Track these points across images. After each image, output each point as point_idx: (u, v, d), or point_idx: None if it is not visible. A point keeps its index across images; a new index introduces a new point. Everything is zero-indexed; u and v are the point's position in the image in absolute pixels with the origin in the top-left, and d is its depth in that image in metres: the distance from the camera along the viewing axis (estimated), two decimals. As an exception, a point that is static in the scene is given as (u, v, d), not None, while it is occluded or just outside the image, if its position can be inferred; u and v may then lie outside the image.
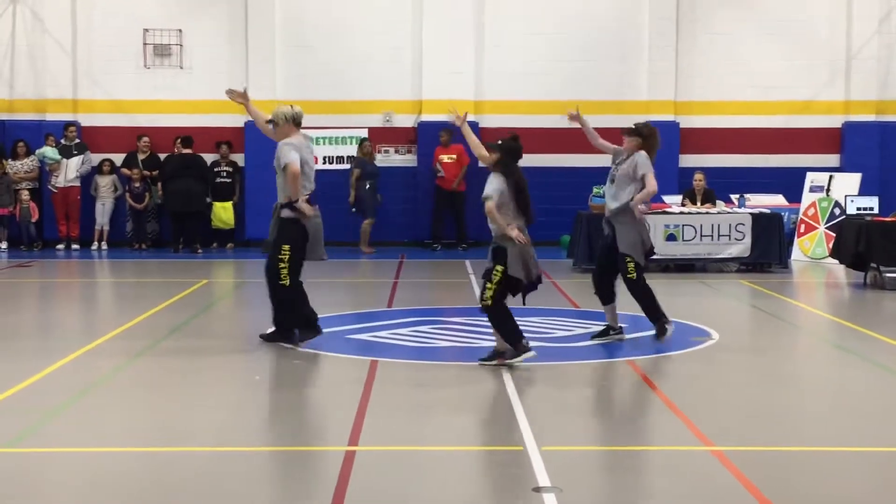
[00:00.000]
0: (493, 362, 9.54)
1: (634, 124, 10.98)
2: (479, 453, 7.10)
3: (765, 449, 7.14)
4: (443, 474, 6.62)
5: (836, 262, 16.37)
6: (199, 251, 19.83)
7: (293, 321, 10.49)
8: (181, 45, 20.98)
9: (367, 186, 20.00)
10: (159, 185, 20.37)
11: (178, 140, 20.37)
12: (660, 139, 10.96)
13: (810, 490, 6.28)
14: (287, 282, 10.29)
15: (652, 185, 10.52)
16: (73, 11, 20.89)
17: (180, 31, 20.96)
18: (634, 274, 10.58)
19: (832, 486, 6.35)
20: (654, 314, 10.70)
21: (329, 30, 21.06)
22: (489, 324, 9.64)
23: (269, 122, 10.70)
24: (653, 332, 10.85)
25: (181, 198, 19.94)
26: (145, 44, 20.90)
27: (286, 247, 10.29)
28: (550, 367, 9.67)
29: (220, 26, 21.07)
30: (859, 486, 6.39)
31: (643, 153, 10.68)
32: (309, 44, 21.09)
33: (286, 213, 10.34)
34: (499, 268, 9.43)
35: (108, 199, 20.59)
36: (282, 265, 10.29)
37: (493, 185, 9.48)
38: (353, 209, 20.14)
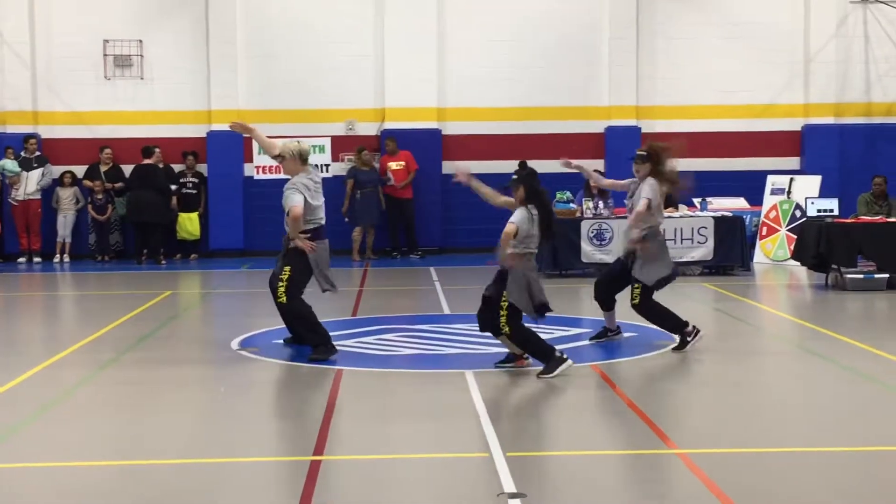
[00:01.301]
0: (510, 364, 9.69)
1: (640, 151, 10.85)
2: (444, 460, 7.11)
3: (730, 451, 7.19)
4: (408, 482, 6.62)
5: (798, 264, 16.50)
6: (163, 262, 19.74)
7: (311, 339, 10.51)
8: (142, 56, 20.87)
9: (359, 195, 20.00)
10: (125, 196, 20.26)
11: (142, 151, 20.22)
12: (671, 148, 10.85)
13: (775, 491, 6.32)
14: (283, 300, 10.36)
15: (642, 206, 10.49)
16: (32, 23, 20.74)
17: (141, 41, 20.85)
18: (639, 300, 10.58)
19: (796, 487, 6.40)
20: (674, 328, 10.73)
21: (291, 39, 21.02)
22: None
23: (277, 156, 10.76)
24: (618, 336, 10.97)
25: (143, 208, 19.82)
26: (105, 55, 20.78)
27: (287, 268, 10.41)
28: (515, 373, 9.68)
29: (182, 36, 20.97)
30: (823, 487, 6.44)
31: (651, 180, 10.60)
32: (271, 53, 21.04)
33: (293, 244, 10.48)
34: (505, 294, 9.38)
35: (70, 212, 20.45)
36: (280, 283, 10.39)
37: (520, 216, 9.40)
38: (346, 218, 20.16)
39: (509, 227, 9.33)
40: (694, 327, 10.64)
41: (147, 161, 20.06)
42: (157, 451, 7.34)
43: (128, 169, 20.45)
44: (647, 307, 10.63)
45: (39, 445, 7.54)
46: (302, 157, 10.66)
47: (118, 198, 20.45)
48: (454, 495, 6.38)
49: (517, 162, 9.82)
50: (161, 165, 20.26)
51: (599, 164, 20.32)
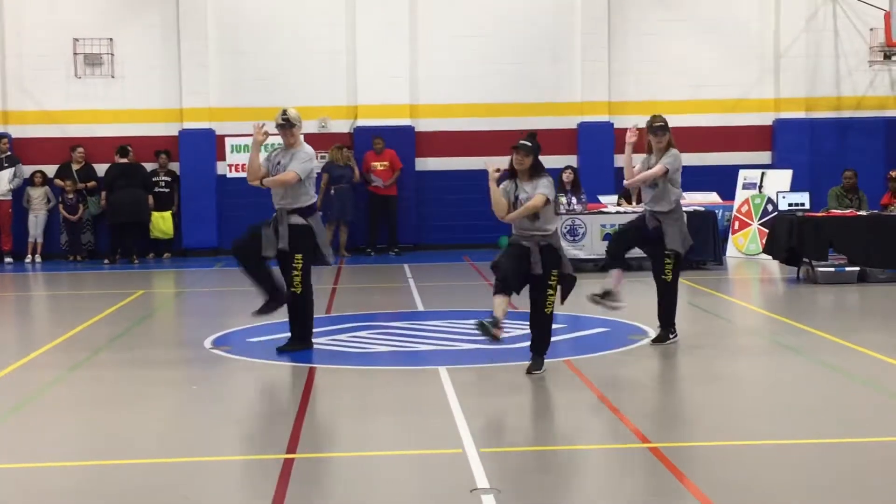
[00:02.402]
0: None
1: (658, 121, 10.86)
2: (417, 457, 7.11)
3: (702, 444, 7.22)
4: (382, 479, 6.62)
5: (770, 257, 16.59)
6: (136, 261, 19.66)
7: (303, 330, 10.53)
8: (112, 54, 20.77)
9: (332, 192, 19.99)
10: (102, 195, 20.13)
11: (116, 150, 20.10)
12: None
13: (748, 484, 6.35)
14: (300, 290, 10.31)
15: (659, 169, 10.68)
16: (1, 21, 20.62)
17: (111, 39, 20.76)
18: (671, 276, 10.61)
19: (769, 480, 6.43)
20: (670, 320, 10.76)
21: (263, 35, 20.97)
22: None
23: (284, 122, 10.42)
24: (591, 331, 10.99)
25: (127, 207, 19.68)
26: (76, 53, 20.68)
27: (299, 256, 10.28)
28: (488, 369, 9.70)
29: (152, 34, 20.88)
30: (795, 479, 6.48)
31: (675, 151, 10.73)
32: (243, 50, 20.98)
33: (295, 219, 10.28)
34: (554, 273, 9.28)
35: (41, 212, 20.33)
36: (295, 273, 10.30)
37: (549, 185, 9.25)
38: (319, 211, 20.06)
39: (539, 199, 9.15)
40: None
41: (124, 160, 19.96)
42: (130, 451, 7.31)
43: (100, 168, 20.36)
44: (675, 286, 10.66)
45: (11, 446, 7.49)
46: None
47: (91, 197, 20.34)
48: (428, 491, 6.38)
49: (528, 132, 9.61)
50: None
51: (572, 159, 20.37)
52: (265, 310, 10.58)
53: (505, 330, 11.12)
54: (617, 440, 7.35)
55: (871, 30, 21.20)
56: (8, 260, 20.12)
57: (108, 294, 15.45)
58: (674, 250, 10.59)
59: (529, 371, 9.32)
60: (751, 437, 7.37)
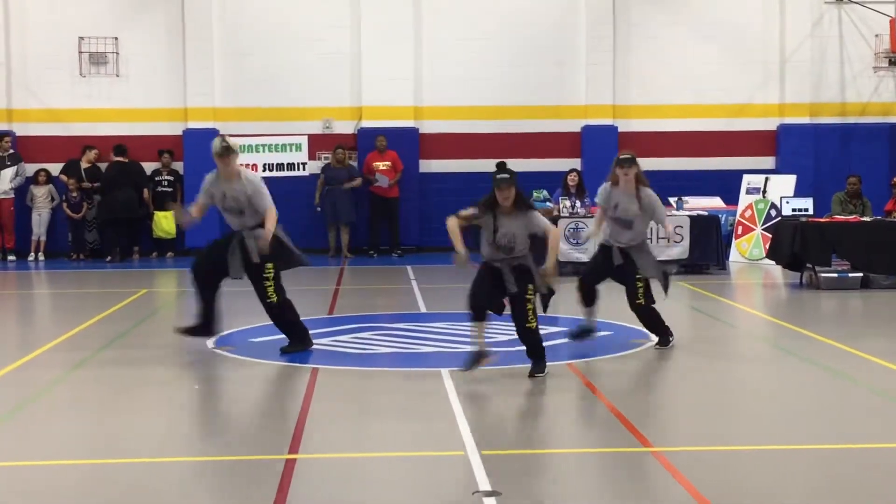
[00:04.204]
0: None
1: (626, 154, 10.68)
2: (419, 459, 7.11)
3: (704, 449, 7.21)
4: (384, 481, 6.62)
5: (773, 263, 16.58)
6: (137, 257, 19.70)
7: (295, 331, 10.57)
8: (117, 53, 20.78)
9: (326, 192, 20.05)
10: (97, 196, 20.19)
11: (112, 150, 20.07)
12: None
13: (749, 489, 6.34)
14: (275, 299, 10.33)
15: (670, 227, 11.27)
16: (7, 20, 20.62)
17: (116, 38, 20.77)
18: (644, 299, 10.59)
19: (771, 485, 6.43)
20: (663, 329, 10.76)
21: (267, 36, 20.97)
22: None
23: (225, 152, 10.39)
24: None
25: (119, 205, 19.76)
26: (81, 52, 20.68)
27: (269, 265, 10.30)
28: (491, 372, 9.70)
29: (157, 34, 20.90)
30: (797, 484, 6.48)
31: (651, 192, 10.60)
32: (247, 50, 20.99)
33: (259, 231, 10.26)
34: (530, 287, 9.25)
35: (45, 210, 20.34)
36: (268, 284, 10.32)
37: (546, 220, 9.31)
38: (318, 208, 20.28)
39: (557, 232, 9.27)
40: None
41: (121, 159, 19.97)
42: (131, 451, 7.31)
43: (104, 167, 20.37)
44: (651, 303, 10.62)
45: (13, 445, 7.50)
46: None
47: (96, 196, 20.33)
48: (429, 494, 6.38)
49: (496, 162, 9.44)
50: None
51: (576, 162, 20.38)
52: (193, 332, 10.58)
53: (509, 333, 11.13)
54: (618, 444, 7.34)
55: (877, 36, 21.19)
56: (11, 258, 20.12)
57: (111, 293, 15.46)
58: (645, 276, 10.57)
59: (532, 374, 9.32)
60: (752, 442, 7.36)
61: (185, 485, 6.61)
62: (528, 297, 9.17)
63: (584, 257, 16.62)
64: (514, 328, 9.39)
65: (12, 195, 20.21)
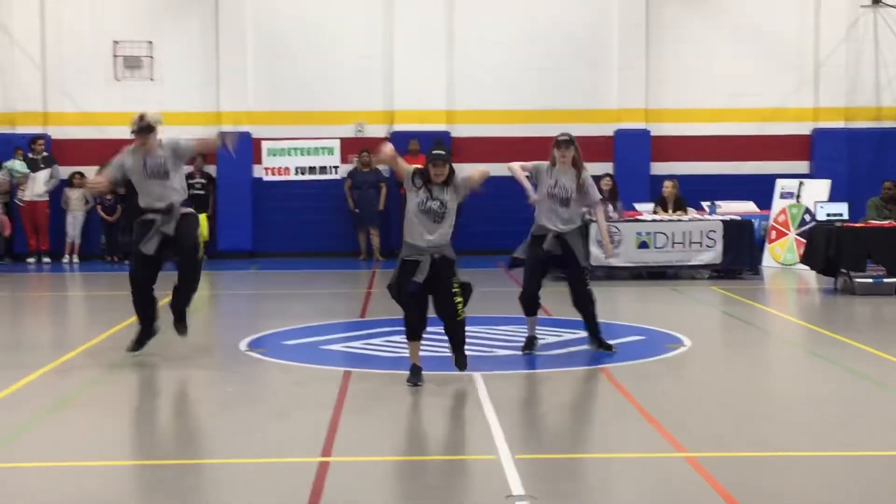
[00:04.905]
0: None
1: (565, 135, 10.65)
2: (452, 462, 7.10)
3: (738, 455, 7.17)
4: (416, 484, 6.61)
5: (807, 267, 16.47)
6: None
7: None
8: (152, 57, 20.91)
9: (356, 196, 20.14)
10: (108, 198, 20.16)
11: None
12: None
13: (782, 495, 6.30)
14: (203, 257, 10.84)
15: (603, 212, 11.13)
16: (43, 24, 20.80)
17: (150, 42, 20.89)
18: (588, 283, 10.54)
19: (804, 491, 6.39)
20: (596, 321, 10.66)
21: (301, 40, 21.05)
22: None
23: (145, 128, 10.56)
24: (626, 339, 10.92)
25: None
26: (115, 56, 20.82)
27: (202, 241, 10.60)
28: (524, 375, 9.69)
29: (191, 38, 21.02)
30: (833, 491, 6.43)
31: (587, 173, 10.54)
32: (280, 54, 21.07)
33: (187, 209, 10.53)
34: (455, 282, 9.31)
35: (79, 212, 20.50)
36: (202, 256, 10.77)
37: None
38: (357, 209, 20.42)
39: (482, 171, 9.41)
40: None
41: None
42: (164, 452, 7.34)
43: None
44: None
45: (49, 445, 7.54)
46: None
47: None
48: (462, 498, 6.37)
49: (434, 141, 9.62)
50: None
51: (608, 166, 20.33)
52: (141, 344, 10.56)
53: (541, 336, 11.09)
54: (652, 448, 7.31)
55: (913, 39, 21.06)
56: (46, 260, 20.27)
57: (145, 295, 15.50)
58: (587, 268, 10.57)
59: (462, 367, 9.31)
60: (786, 448, 7.32)
61: (219, 486, 6.63)
62: (454, 290, 9.17)
63: (617, 261, 16.60)
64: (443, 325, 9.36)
65: (46, 198, 20.37)
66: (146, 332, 10.56)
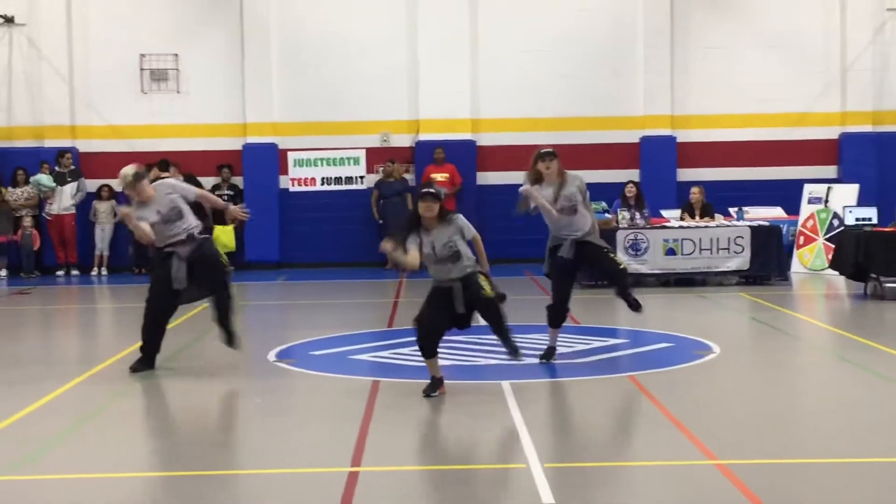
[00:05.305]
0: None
1: (547, 148, 10.56)
2: (481, 471, 7.08)
3: (768, 462, 7.12)
4: (446, 493, 6.60)
5: (836, 273, 16.37)
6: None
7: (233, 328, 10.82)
8: (178, 70, 21.03)
9: (381, 205, 20.19)
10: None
11: (155, 166, 20.04)
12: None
13: (814, 502, 6.26)
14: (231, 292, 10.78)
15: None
16: (70, 38, 20.96)
17: (177, 55, 21.01)
18: (622, 261, 10.72)
19: (836, 498, 6.34)
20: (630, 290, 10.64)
21: (325, 51, 21.11)
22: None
23: (129, 184, 10.50)
24: (655, 346, 10.86)
25: None
26: (142, 69, 20.96)
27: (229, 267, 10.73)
28: (552, 384, 9.66)
29: (217, 50, 21.13)
30: (863, 498, 6.37)
31: (575, 173, 10.54)
32: (305, 65, 21.14)
33: (202, 235, 10.56)
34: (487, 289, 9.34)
35: (108, 225, 20.63)
36: (228, 268, 10.73)
37: (468, 225, 9.30)
38: (380, 220, 20.47)
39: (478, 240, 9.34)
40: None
41: (165, 175, 20.06)
42: (194, 463, 7.36)
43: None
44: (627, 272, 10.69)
45: (75, 458, 7.57)
46: None
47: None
48: (492, 506, 6.36)
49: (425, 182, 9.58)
50: (181, 179, 20.29)
51: (634, 174, 20.29)
52: (141, 367, 10.52)
53: (570, 345, 11.07)
54: (682, 456, 7.27)
55: (940, 42, 20.92)
56: (74, 272, 20.39)
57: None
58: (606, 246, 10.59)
59: (514, 355, 9.33)
60: (817, 455, 7.27)
61: (249, 497, 6.64)
62: (490, 298, 9.15)
63: (644, 268, 16.59)
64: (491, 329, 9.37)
65: (73, 211, 20.50)
66: (147, 362, 10.55)
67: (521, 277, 18.37)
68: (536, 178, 10.39)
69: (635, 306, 10.44)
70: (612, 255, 10.65)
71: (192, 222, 10.47)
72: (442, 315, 9.16)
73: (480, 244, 9.31)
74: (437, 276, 9.22)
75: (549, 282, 10.85)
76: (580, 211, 10.35)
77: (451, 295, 9.09)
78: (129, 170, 10.53)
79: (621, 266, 10.60)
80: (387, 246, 9.33)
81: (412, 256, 9.12)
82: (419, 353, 9.28)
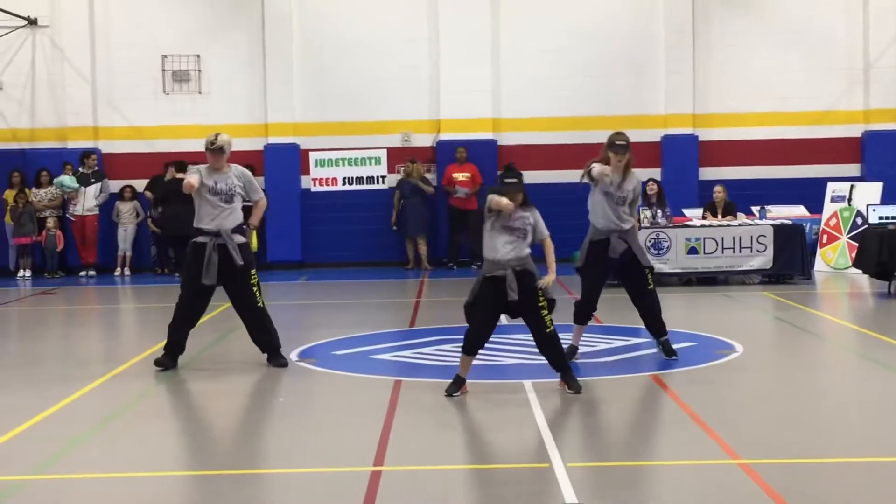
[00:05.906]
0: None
1: (623, 137, 10.62)
2: (505, 471, 7.08)
3: (792, 461, 7.10)
4: (469, 493, 6.60)
5: (860, 271, 16.30)
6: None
7: (273, 341, 10.71)
8: (199, 71, 21.10)
9: (402, 205, 20.19)
10: (159, 209, 20.22)
11: (171, 165, 20.07)
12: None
13: (838, 502, 6.23)
14: (262, 303, 10.63)
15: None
16: (92, 39, 21.06)
17: (198, 56, 21.09)
18: (653, 284, 10.54)
19: (860, 498, 6.31)
20: (663, 325, 10.60)
21: (346, 51, 21.14)
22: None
23: (218, 149, 10.63)
24: (677, 346, 10.82)
25: (172, 222, 19.40)
26: (164, 70, 21.04)
27: (252, 271, 10.57)
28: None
29: (239, 50, 21.19)
30: (886, 498, 6.34)
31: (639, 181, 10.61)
32: (327, 66, 21.18)
33: (238, 238, 10.51)
34: (540, 294, 9.20)
35: (130, 225, 20.71)
36: (255, 289, 10.55)
37: (541, 220, 9.24)
38: (395, 227, 20.43)
39: (549, 243, 9.24)
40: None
41: (182, 175, 20.07)
42: (217, 462, 7.38)
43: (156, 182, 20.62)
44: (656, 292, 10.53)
45: (99, 457, 7.61)
46: None
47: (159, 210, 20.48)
48: (515, 506, 6.35)
49: (504, 166, 9.52)
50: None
51: (656, 172, 20.23)
52: (163, 363, 10.55)
53: (592, 344, 11.07)
54: (706, 456, 7.25)
55: (964, 39, 20.78)
56: (91, 273, 20.48)
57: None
58: (649, 266, 10.47)
59: (574, 391, 9.12)
60: (842, 454, 7.23)
61: (272, 496, 6.65)
62: (540, 303, 9.07)
63: (666, 268, 16.55)
64: (533, 338, 9.27)
65: (96, 211, 20.60)
66: (171, 359, 10.59)
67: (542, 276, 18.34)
68: (606, 163, 10.47)
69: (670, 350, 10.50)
70: (646, 271, 10.46)
71: (238, 215, 10.56)
72: (491, 311, 9.10)
73: (551, 247, 9.23)
74: (497, 255, 9.04)
75: (567, 281, 10.81)
76: (627, 202, 10.42)
77: (504, 284, 8.97)
78: (225, 137, 10.70)
79: (650, 286, 10.46)
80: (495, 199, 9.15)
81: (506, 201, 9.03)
82: (460, 348, 9.22)
